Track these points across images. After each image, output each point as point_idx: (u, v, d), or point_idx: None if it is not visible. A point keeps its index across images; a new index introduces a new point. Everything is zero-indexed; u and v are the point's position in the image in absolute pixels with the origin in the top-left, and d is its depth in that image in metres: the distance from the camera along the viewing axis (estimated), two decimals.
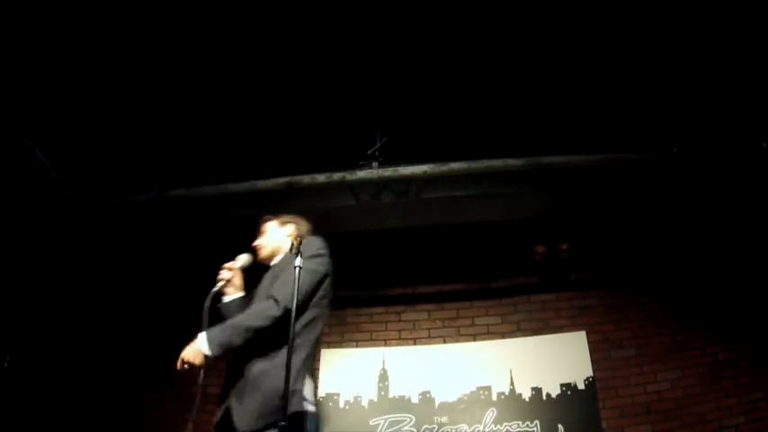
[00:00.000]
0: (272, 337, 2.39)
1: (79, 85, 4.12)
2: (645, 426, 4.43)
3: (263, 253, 2.85)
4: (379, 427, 4.79)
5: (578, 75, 4.07)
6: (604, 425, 4.46)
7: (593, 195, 4.58)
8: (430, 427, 4.74)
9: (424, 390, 4.91)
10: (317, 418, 2.36)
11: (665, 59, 3.89)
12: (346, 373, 5.08)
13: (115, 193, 4.74)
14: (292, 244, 2.50)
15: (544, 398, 4.68)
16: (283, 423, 2.10)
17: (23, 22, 3.62)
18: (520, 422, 4.61)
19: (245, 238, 5.06)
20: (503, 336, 5.07)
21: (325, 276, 2.66)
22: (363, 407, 4.91)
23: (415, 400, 4.89)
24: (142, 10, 3.65)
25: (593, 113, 4.24)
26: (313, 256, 2.61)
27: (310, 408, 2.37)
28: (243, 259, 2.80)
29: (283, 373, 2.21)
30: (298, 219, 2.99)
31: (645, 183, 4.40)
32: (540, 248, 5.15)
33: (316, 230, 4.72)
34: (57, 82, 4.06)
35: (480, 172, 4.32)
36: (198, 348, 2.33)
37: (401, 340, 5.22)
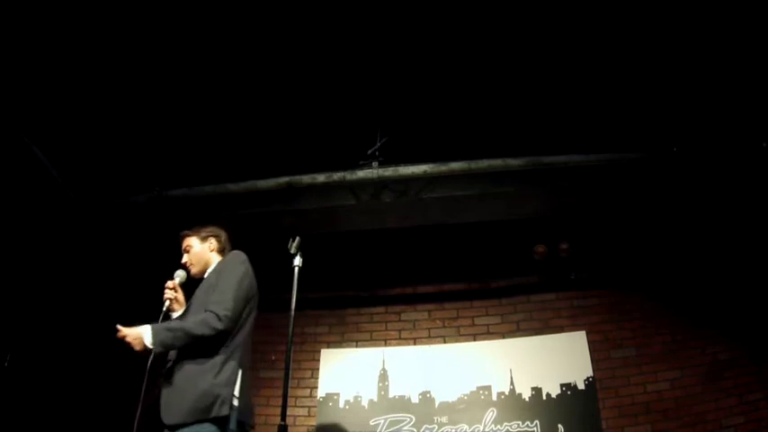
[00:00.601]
0: (212, 343, 2.55)
1: (79, 85, 4.12)
2: (645, 425, 4.43)
3: (194, 270, 2.99)
4: (379, 427, 4.79)
5: (578, 74, 4.07)
6: (604, 425, 4.47)
7: (593, 195, 4.58)
8: (430, 426, 4.74)
9: (424, 390, 4.91)
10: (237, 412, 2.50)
11: (665, 59, 3.89)
12: (346, 373, 5.08)
13: (116, 192, 4.74)
14: (291, 244, 2.65)
15: (544, 398, 4.68)
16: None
17: (23, 22, 3.63)
18: (520, 422, 4.62)
19: (244, 238, 5.06)
20: (503, 335, 5.07)
21: (250, 282, 2.83)
22: (363, 407, 4.91)
23: (415, 399, 4.89)
24: (142, 10, 3.65)
25: (593, 113, 4.24)
26: (241, 263, 2.82)
27: (235, 403, 2.50)
28: (181, 276, 2.94)
29: (211, 376, 2.45)
30: (216, 230, 3.10)
31: (645, 182, 4.40)
32: (540, 248, 5.15)
33: (316, 230, 4.76)
34: (57, 82, 4.07)
35: (480, 172, 4.32)
36: (141, 337, 2.48)
37: (401, 340, 5.22)
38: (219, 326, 2.51)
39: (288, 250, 3.06)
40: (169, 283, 2.87)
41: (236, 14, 3.74)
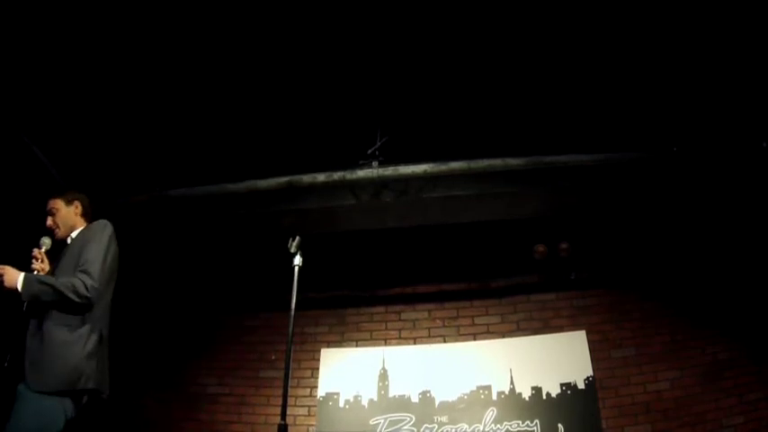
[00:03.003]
0: (76, 309, 2.59)
1: (80, 85, 4.12)
2: (645, 425, 4.43)
3: (60, 233, 2.94)
4: (379, 427, 4.79)
5: (579, 74, 4.07)
6: (604, 424, 4.47)
7: (593, 195, 4.58)
8: (430, 426, 4.74)
9: (424, 389, 4.91)
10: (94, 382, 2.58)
11: (665, 59, 3.89)
12: (346, 373, 5.08)
13: (116, 192, 4.74)
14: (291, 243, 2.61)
15: (544, 397, 4.68)
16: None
17: (23, 22, 3.63)
18: (520, 421, 4.62)
19: (244, 238, 5.06)
20: (503, 335, 5.07)
21: (114, 254, 2.85)
22: (363, 406, 4.91)
23: (414, 399, 4.89)
24: (142, 10, 3.65)
25: (593, 113, 4.24)
26: (108, 236, 2.82)
27: (91, 385, 2.55)
28: (47, 244, 2.90)
29: (80, 348, 2.53)
30: (80, 195, 3.09)
31: (645, 182, 4.40)
32: (540, 248, 5.16)
33: (316, 230, 4.76)
34: (57, 82, 4.07)
35: (480, 171, 4.32)
36: (14, 282, 2.55)
37: (401, 340, 5.23)
38: (87, 294, 2.56)
39: (288, 250, 3.07)
40: (36, 252, 2.82)
41: (236, 14, 3.74)
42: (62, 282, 2.58)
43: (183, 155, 4.62)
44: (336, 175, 4.41)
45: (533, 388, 4.74)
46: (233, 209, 4.74)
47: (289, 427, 2.72)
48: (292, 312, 2.96)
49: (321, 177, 4.43)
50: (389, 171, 4.35)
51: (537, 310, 5.14)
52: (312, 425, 4.88)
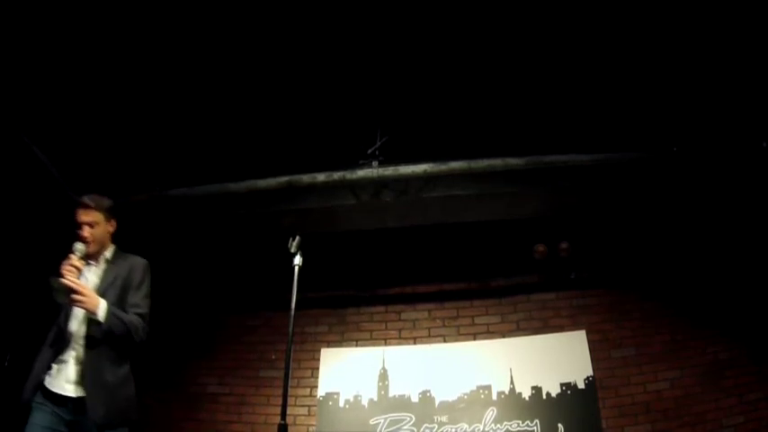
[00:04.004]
0: (131, 347, 2.71)
1: (80, 85, 4.12)
2: (645, 425, 4.43)
3: (92, 249, 2.80)
4: (379, 427, 4.79)
5: (579, 74, 4.07)
6: (604, 424, 4.47)
7: (594, 195, 4.58)
8: (430, 426, 4.74)
9: (424, 389, 4.92)
10: None
11: (665, 59, 3.89)
12: (346, 373, 5.08)
13: (116, 192, 4.73)
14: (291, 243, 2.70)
15: (544, 397, 4.68)
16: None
17: (23, 22, 3.63)
18: (520, 421, 4.62)
19: (244, 238, 5.05)
20: (503, 335, 5.07)
21: None
22: (363, 406, 4.92)
23: (414, 399, 4.89)
24: (142, 10, 3.65)
25: (593, 113, 4.24)
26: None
27: (135, 416, 2.73)
28: (81, 251, 2.72)
29: (132, 384, 2.72)
30: (115, 208, 2.97)
31: (645, 182, 4.40)
32: (540, 248, 5.16)
33: (316, 230, 4.77)
34: (57, 81, 4.06)
35: (480, 171, 4.33)
36: (95, 308, 2.54)
37: (401, 339, 5.23)
38: (143, 339, 2.69)
39: (288, 250, 3.07)
40: (75, 261, 2.62)
41: (236, 14, 3.74)
42: (129, 320, 2.64)
43: (183, 155, 4.62)
44: (336, 175, 4.41)
45: (533, 388, 4.74)
46: (233, 209, 4.74)
47: (289, 427, 2.72)
48: (292, 312, 2.96)
49: (321, 177, 4.44)
50: (389, 171, 4.35)
51: (537, 309, 5.14)
52: (312, 425, 4.88)
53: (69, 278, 2.55)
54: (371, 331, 5.31)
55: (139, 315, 2.69)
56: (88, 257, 2.79)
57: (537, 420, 4.59)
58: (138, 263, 2.88)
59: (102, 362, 2.59)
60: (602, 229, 5.11)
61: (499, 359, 4.92)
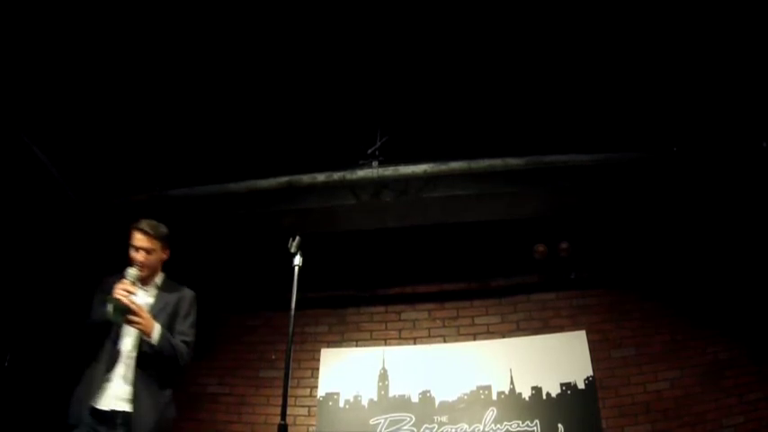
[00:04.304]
0: (175, 372, 2.81)
1: (79, 85, 4.12)
2: (645, 425, 4.43)
3: (144, 274, 2.87)
4: (379, 427, 4.79)
5: (579, 74, 4.07)
6: (604, 424, 4.47)
7: (593, 195, 4.58)
8: (430, 426, 4.74)
9: (424, 389, 4.91)
10: None
11: (665, 59, 3.89)
12: (346, 373, 5.08)
13: (116, 192, 4.74)
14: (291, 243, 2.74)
15: (544, 397, 4.68)
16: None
17: (23, 22, 3.63)
18: (520, 421, 4.62)
19: (244, 238, 5.04)
20: (503, 335, 5.07)
21: None
22: (363, 406, 4.92)
23: (414, 399, 4.89)
24: (142, 10, 3.65)
25: (593, 113, 4.24)
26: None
27: None
28: (134, 276, 2.75)
29: (173, 408, 2.79)
30: (170, 239, 3.05)
31: (645, 182, 4.40)
32: (540, 248, 5.16)
33: (316, 230, 4.76)
34: (56, 82, 4.06)
35: (480, 171, 4.33)
36: (150, 330, 2.64)
37: (401, 339, 5.22)
38: (186, 363, 2.80)
39: (288, 250, 3.07)
40: (130, 287, 2.65)
41: (236, 14, 3.73)
42: (177, 344, 2.76)
43: (183, 155, 4.62)
44: (336, 175, 4.41)
45: (533, 388, 4.74)
46: (233, 209, 4.74)
47: (289, 427, 2.72)
48: (292, 312, 2.96)
49: (321, 177, 4.43)
50: (389, 171, 4.35)
51: (537, 309, 5.14)
52: (312, 425, 4.88)
53: (126, 299, 2.60)
54: (371, 331, 5.31)
55: (185, 342, 2.81)
56: (140, 281, 2.85)
57: (537, 420, 4.59)
58: (187, 294, 3.01)
59: (151, 382, 2.67)
60: (602, 229, 5.11)
61: (499, 359, 4.92)
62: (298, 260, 3.05)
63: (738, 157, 4.16)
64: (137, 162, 4.68)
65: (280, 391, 2.86)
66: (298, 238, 3.08)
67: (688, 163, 4.22)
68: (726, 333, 4.67)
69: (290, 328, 2.93)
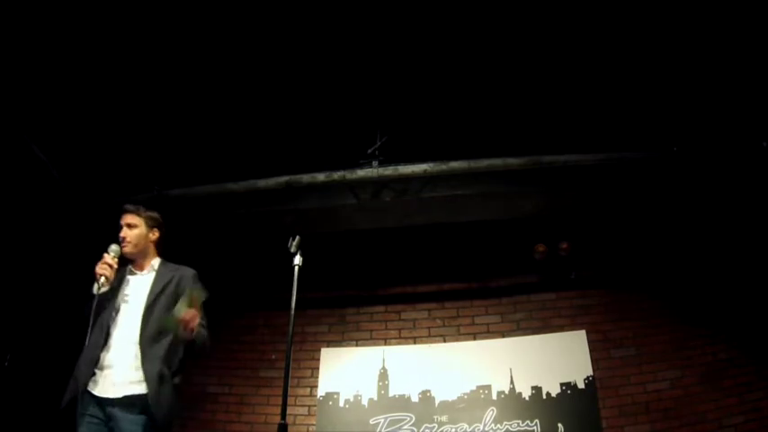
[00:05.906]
0: (196, 355, 2.86)
1: (79, 85, 4.12)
2: (645, 425, 4.43)
3: (128, 249, 2.85)
4: (379, 426, 4.79)
5: (578, 74, 4.07)
6: (604, 424, 4.47)
7: (594, 194, 4.58)
8: (430, 426, 4.74)
9: (424, 389, 4.91)
10: None
11: (665, 59, 3.89)
12: (346, 372, 5.08)
13: (115, 192, 4.74)
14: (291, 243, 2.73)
15: (544, 397, 4.68)
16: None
17: (23, 22, 3.63)
18: (520, 421, 4.62)
19: (245, 238, 5.03)
20: (503, 335, 5.07)
21: None
22: (363, 406, 4.91)
23: (414, 398, 4.89)
24: (142, 10, 3.65)
25: (593, 112, 4.24)
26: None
27: None
28: (116, 251, 2.76)
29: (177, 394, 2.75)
30: (161, 223, 3.03)
31: (645, 182, 4.40)
32: (540, 247, 5.16)
33: (316, 229, 4.76)
34: (56, 82, 4.06)
35: (480, 171, 4.32)
36: (196, 323, 2.67)
37: (401, 339, 5.22)
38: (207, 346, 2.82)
39: (288, 249, 3.07)
40: (110, 260, 2.66)
41: (236, 14, 3.73)
42: (204, 331, 2.80)
43: (182, 154, 4.62)
44: (336, 175, 4.41)
45: (533, 388, 4.74)
46: (232, 208, 4.74)
47: (289, 427, 2.72)
48: (292, 312, 2.96)
49: (321, 177, 4.43)
50: (389, 171, 4.35)
51: (537, 309, 5.14)
52: (312, 424, 4.88)
53: (101, 272, 2.62)
54: (371, 331, 5.31)
55: (202, 326, 2.80)
56: (134, 266, 2.87)
57: (537, 420, 4.59)
58: (187, 273, 2.95)
59: (162, 366, 2.64)
60: (602, 229, 5.11)
61: (499, 359, 4.92)
62: (298, 260, 3.06)
63: (738, 157, 4.16)
64: (136, 162, 4.67)
65: (280, 391, 2.86)
66: (297, 237, 3.09)
67: (688, 163, 4.22)
68: (726, 333, 4.67)
69: (290, 328, 2.93)
